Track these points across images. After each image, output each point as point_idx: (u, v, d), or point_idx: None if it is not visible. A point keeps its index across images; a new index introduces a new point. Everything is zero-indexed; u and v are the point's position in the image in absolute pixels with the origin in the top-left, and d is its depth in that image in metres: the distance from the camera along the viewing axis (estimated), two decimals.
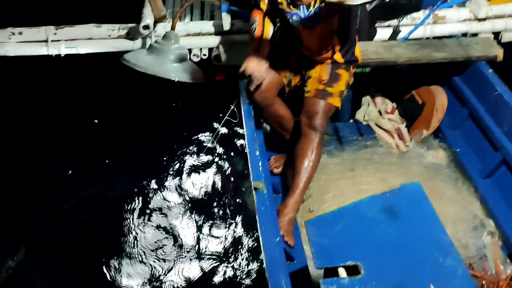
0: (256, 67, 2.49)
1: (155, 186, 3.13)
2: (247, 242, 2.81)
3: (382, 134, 3.24)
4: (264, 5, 2.55)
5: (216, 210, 3.03)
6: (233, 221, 2.94)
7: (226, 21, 3.01)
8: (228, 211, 3.00)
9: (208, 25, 3.07)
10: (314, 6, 2.41)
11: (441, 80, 3.20)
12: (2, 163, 3.22)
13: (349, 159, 3.01)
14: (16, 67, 3.33)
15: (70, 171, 3.21)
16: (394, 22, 3.14)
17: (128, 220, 2.95)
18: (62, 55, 3.00)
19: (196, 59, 3.07)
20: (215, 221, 2.97)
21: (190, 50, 3.05)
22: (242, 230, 2.87)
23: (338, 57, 2.60)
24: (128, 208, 3.01)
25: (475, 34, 3.18)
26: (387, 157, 3.03)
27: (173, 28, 2.72)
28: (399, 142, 3.17)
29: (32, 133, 3.44)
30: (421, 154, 3.06)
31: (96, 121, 3.48)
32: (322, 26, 2.48)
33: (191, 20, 3.27)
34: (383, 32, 3.13)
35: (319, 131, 2.56)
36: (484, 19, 3.15)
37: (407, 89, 3.36)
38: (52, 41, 2.99)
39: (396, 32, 3.13)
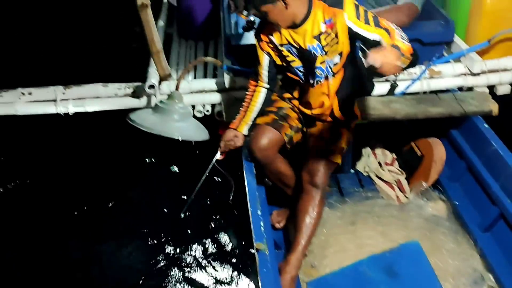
0: (226, 139, 2.64)
1: (152, 243, 3.16)
2: None
3: (382, 185, 3.29)
4: (261, 71, 2.64)
5: (216, 267, 3.05)
6: (234, 280, 2.97)
7: (228, 79, 3.13)
8: (229, 269, 3.03)
9: (210, 83, 3.19)
10: (314, 66, 2.52)
11: (440, 132, 3.26)
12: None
13: (350, 212, 3.05)
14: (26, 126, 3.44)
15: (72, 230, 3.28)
16: (391, 77, 3.23)
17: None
18: (71, 114, 3.12)
19: (199, 115, 3.17)
20: (216, 279, 2.99)
21: (193, 107, 3.16)
22: None
23: (338, 114, 2.69)
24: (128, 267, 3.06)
25: (470, 88, 3.27)
26: (387, 209, 3.06)
27: (177, 88, 2.83)
28: (400, 194, 3.22)
29: (37, 189, 3.53)
30: (421, 206, 3.10)
31: (99, 176, 3.57)
32: (324, 84, 2.58)
33: (195, 77, 3.39)
34: (381, 87, 3.22)
35: (320, 188, 2.62)
36: (478, 74, 3.25)
37: (406, 140, 3.42)
38: (61, 100, 3.11)
39: (393, 86, 3.22)
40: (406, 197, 3.20)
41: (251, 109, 2.69)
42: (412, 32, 3.29)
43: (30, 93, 3.12)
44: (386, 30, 2.44)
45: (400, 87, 3.22)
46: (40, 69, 4.17)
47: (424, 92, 3.24)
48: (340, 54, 2.51)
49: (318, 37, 2.46)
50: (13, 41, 4.82)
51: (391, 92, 3.23)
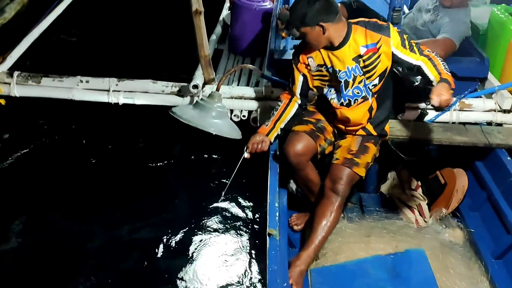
0: (254, 141, 2.81)
1: (172, 225, 3.34)
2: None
3: (403, 208, 3.38)
4: (296, 89, 2.87)
5: (229, 257, 3.21)
6: (245, 269, 3.11)
7: (266, 88, 3.35)
8: (241, 258, 3.18)
9: (250, 91, 3.42)
10: (352, 86, 2.71)
11: (465, 164, 3.35)
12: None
13: (367, 226, 3.15)
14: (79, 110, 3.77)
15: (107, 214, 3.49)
16: (422, 105, 3.37)
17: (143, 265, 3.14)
18: (120, 104, 3.42)
19: (236, 119, 3.40)
20: (227, 269, 3.14)
21: (232, 111, 3.39)
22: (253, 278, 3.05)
23: (370, 127, 2.86)
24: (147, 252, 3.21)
25: (499, 124, 3.36)
26: (404, 229, 3.14)
27: (217, 89, 3.07)
28: (419, 218, 3.30)
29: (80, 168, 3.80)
30: (438, 231, 3.17)
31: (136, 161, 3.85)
32: (361, 103, 2.76)
33: (238, 85, 3.64)
34: (410, 113, 3.35)
35: (340, 196, 2.75)
36: (509, 111, 3.35)
37: (432, 168, 3.51)
38: (113, 91, 3.41)
39: (423, 114, 3.36)
40: (425, 221, 3.27)
41: (282, 120, 2.89)
42: (447, 65, 3.45)
43: (87, 81, 3.44)
44: (429, 58, 2.67)
45: (430, 115, 3.35)
46: (99, 62, 4.56)
47: (453, 123, 3.35)
48: (380, 76, 2.70)
49: (357, 59, 2.66)
50: (82, 37, 5.32)
51: (420, 118, 3.37)
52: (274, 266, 2.19)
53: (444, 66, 2.68)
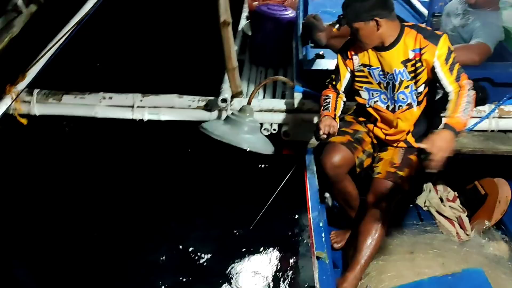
0: (327, 124, 2.60)
1: (217, 249, 3.28)
2: None
3: (442, 221, 3.24)
4: (340, 86, 2.74)
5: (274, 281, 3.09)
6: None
7: (297, 100, 3.23)
8: (287, 281, 3.06)
9: (280, 103, 3.30)
10: (398, 91, 2.59)
11: (505, 173, 3.22)
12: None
13: (408, 242, 3.01)
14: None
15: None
16: None
17: None
18: (145, 120, 3.29)
19: (266, 133, 3.27)
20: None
21: (261, 125, 3.26)
22: None
23: (411, 140, 2.72)
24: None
25: None
26: (447, 243, 3.00)
27: (249, 102, 2.95)
28: (460, 231, 3.17)
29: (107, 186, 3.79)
30: (482, 244, 3.03)
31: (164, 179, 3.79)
32: (406, 110, 2.65)
33: (264, 97, 3.52)
34: None
35: (384, 212, 2.62)
36: None
37: (469, 179, 3.38)
38: (137, 107, 3.29)
39: None
40: (466, 234, 3.14)
41: (338, 109, 2.73)
42: (483, 71, 3.33)
43: (110, 98, 3.33)
44: (460, 87, 2.48)
45: (468, 124, 3.22)
46: (121, 77, 4.46)
47: (492, 131, 3.22)
48: (425, 83, 2.59)
49: (405, 63, 2.55)
50: (102, 52, 5.26)
51: None
52: None
53: (467, 101, 2.44)
